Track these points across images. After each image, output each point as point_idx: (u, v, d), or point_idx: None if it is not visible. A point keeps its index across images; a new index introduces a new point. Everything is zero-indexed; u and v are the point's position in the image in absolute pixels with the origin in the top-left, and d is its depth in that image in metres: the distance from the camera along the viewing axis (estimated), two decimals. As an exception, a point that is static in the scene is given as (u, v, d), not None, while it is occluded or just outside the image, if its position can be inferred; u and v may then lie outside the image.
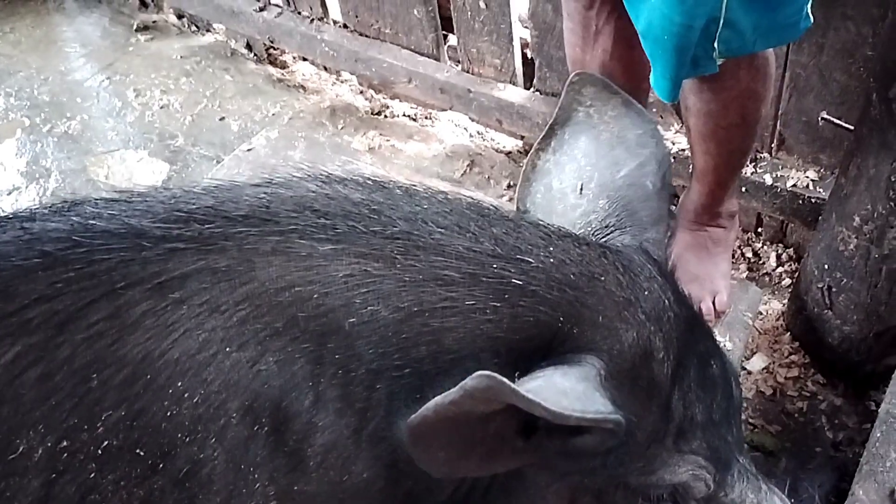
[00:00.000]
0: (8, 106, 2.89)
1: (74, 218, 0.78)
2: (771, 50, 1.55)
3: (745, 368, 1.86)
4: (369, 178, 0.85)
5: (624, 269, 0.84)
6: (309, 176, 0.84)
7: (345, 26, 2.68)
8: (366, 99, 2.84)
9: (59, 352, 0.74)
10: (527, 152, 2.28)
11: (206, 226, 0.78)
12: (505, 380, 0.64)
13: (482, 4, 2.28)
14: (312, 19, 2.73)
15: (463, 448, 0.74)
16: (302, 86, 2.93)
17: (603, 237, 0.94)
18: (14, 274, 0.74)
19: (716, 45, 1.39)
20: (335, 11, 2.70)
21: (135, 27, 3.20)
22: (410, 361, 0.78)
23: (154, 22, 3.23)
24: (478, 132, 2.66)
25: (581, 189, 0.98)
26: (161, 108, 2.83)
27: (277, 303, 0.77)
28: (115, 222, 0.77)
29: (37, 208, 0.79)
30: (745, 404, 1.77)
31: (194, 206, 0.79)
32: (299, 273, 0.77)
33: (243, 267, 0.77)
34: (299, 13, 2.76)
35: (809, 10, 1.42)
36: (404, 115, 2.76)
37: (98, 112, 2.84)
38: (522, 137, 2.52)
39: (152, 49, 3.10)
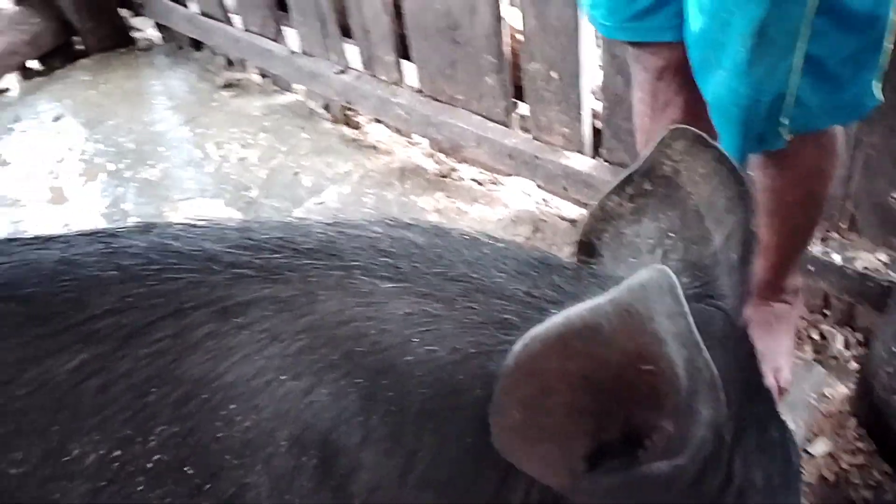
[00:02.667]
0: (96, 151, 3.04)
1: (153, 238, 0.81)
2: (840, 128, 1.55)
3: (807, 452, 1.80)
4: (433, 225, 0.87)
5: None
6: (376, 219, 0.87)
7: (419, 91, 2.77)
8: (434, 162, 2.90)
9: (121, 364, 0.76)
10: (591, 220, 2.28)
11: (275, 256, 0.80)
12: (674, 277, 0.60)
13: (553, 74, 2.33)
14: (389, 83, 2.82)
15: (534, 427, 0.71)
16: (374, 146, 3.02)
17: None
18: (90, 284, 0.77)
19: (782, 120, 1.40)
20: (411, 77, 2.79)
21: (219, 84, 3.35)
22: (464, 404, 0.78)
23: (238, 80, 3.38)
24: (543, 199, 2.68)
25: (661, 257, 0.94)
26: (239, 160, 2.94)
27: (335, 336, 0.78)
28: (190, 244, 0.81)
29: (121, 227, 0.83)
30: (806, 489, 1.70)
31: (265, 237, 0.82)
32: (359, 308, 0.79)
33: (306, 298, 0.79)
34: (376, 77, 2.86)
35: (878, 90, 1.42)
36: (471, 178, 2.80)
37: (179, 162, 2.97)
38: (586, 206, 2.53)
39: (234, 105, 3.23)
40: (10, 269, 0.80)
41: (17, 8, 3.48)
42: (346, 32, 2.91)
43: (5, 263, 0.80)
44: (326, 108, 3.20)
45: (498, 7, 2.38)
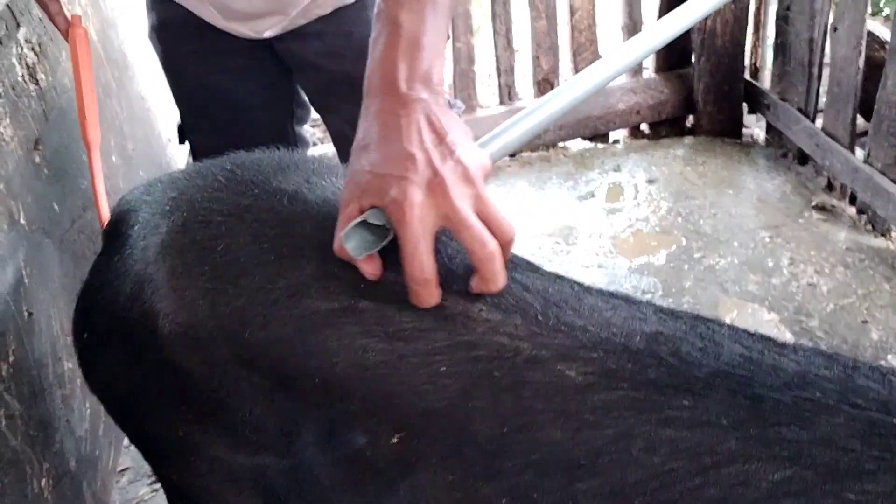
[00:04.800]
0: (674, 223, 3.19)
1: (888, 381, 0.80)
2: None
3: None
4: None
5: None
6: None
7: None
8: None
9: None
10: None
11: None
12: None
13: None
14: None
15: None
16: (961, 327, 2.67)
17: None
18: (821, 409, 0.78)
19: None
20: None
21: (812, 204, 3.27)
22: None
23: (832, 206, 3.26)
24: None
25: None
26: (808, 284, 2.84)
27: None
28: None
29: (860, 363, 0.83)
30: None
31: None
32: None
33: None
34: None
35: None
36: None
37: (747, 261, 2.97)
38: None
39: (821, 229, 3.13)
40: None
41: (654, 76, 3.81)
42: None
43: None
44: (921, 268, 2.91)
45: None
